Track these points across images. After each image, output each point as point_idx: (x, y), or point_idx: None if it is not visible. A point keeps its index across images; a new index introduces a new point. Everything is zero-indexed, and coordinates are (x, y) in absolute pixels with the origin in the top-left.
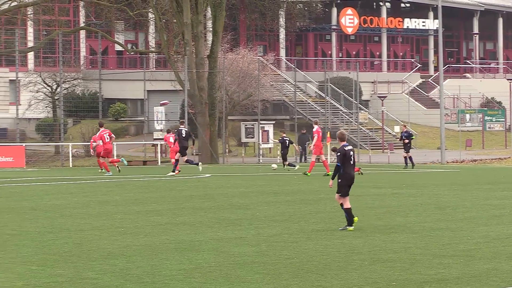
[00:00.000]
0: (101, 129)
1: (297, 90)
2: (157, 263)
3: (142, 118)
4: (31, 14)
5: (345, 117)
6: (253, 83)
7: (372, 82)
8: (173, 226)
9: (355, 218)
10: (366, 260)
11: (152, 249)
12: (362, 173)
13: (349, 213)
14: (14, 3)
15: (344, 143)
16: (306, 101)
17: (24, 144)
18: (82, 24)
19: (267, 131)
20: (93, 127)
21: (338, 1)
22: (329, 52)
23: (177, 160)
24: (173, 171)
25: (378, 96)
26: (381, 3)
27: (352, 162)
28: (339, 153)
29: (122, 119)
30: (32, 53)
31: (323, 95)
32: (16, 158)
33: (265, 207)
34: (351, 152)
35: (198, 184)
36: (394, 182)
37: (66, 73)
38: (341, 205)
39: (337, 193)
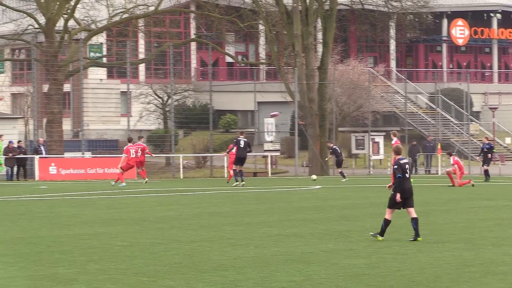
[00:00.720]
0: (129, 144)
1: (407, 102)
2: (267, 274)
3: (253, 130)
4: (142, 26)
5: (456, 128)
6: (363, 94)
7: (483, 94)
8: (283, 237)
9: (419, 238)
10: (477, 273)
11: (262, 260)
12: (473, 185)
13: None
14: (126, 15)
15: (400, 156)
16: (416, 112)
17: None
18: (193, 36)
19: (378, 142)
20: (203, 139)
21: (449, 13)
22: (440, 63)
23: (234, 170)
24: (234, 181)
25: (489, 108)
26: (491, 14)
27: (408, 176)
28: (395, 166)
29: (233, 130)
30: (143, 65)
31: (433, 106)
32: (129, 171)
33: (375, 219)
34: (407, 165)
35: (308, 196)
36: (505, 194)
37: (177, 84)
38: (386, 220)
39: (389, 207)
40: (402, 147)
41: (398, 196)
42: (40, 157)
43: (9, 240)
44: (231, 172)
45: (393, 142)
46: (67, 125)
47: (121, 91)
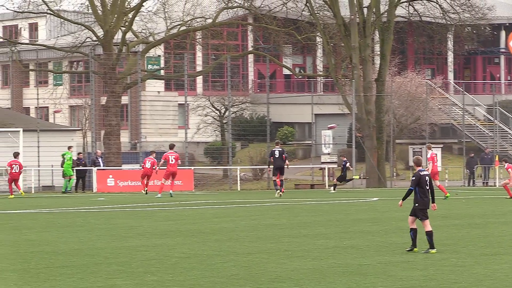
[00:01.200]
0: (170, 150)
1: (465, 114)
2: (324, 286)
3: (310, 142)
4: (200, 38)
5: None
6: (421, 106)
7: None
8: (340, 249)
9: (432, 251)
10: None
11: (319, 272)
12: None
13: (431, 235)
14: (183, 28)
15: (420, 168)
16: (474, 124)
17: (192, 168)
18: (250, 48)
19: (435, 154)
20: (261, 151)
21: (507, 24)
22: (498, 75)
23: (274, 181)
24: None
25: None
26: None
27: (427, 187)
28: (413, 177)
29: (290, 142)
30: (201, 77)
31: (491, 118)
32: (185, 182)
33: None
34: (427, 178)
35: (366, 208)
36: None
37: (234, 97)
38: (412, 229)
39: (410, 215)
40: (461, 159)
41: (400, 202)
42: (98, 169)
43: (68, 252)
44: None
45: (428, 155)
46: (125, 137)
47: (179, 103)
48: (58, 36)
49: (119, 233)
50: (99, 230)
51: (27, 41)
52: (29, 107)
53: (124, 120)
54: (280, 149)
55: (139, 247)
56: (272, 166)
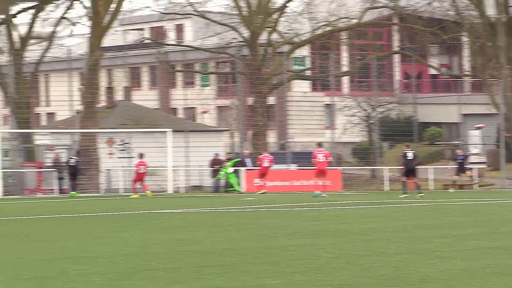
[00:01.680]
0: (318, 148)
1: None
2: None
3: (457, 142)
4: (345, 38)
5: None
6: None
7: None
8: (490, 250)
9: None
10: None
11: (469, 273)
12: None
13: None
14: (329, 28)
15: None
16: None
17: (340, 168)
18: (396, 48)
19: None
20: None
21: None
22: None
23: (404, 182)
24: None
25: None
26: None
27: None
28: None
29: (438, 143)
30: (347, 77)
31: None
32: (333, 182)
33: None
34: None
35: None
36: None
37: (381, 97)
38: None
39: None
40: None
41: None
42: (246, 169)
43: (217, 251)
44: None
45: None
46: (272, 137)
47: (325, 104)
48: (204, 37)
49: (268, 233)
50: (248, 229)
51: (174, 43)
52: (176, 108)
53: (271, 121)
54: (413, 152)
55: (288, 247)
56: (404, 168)
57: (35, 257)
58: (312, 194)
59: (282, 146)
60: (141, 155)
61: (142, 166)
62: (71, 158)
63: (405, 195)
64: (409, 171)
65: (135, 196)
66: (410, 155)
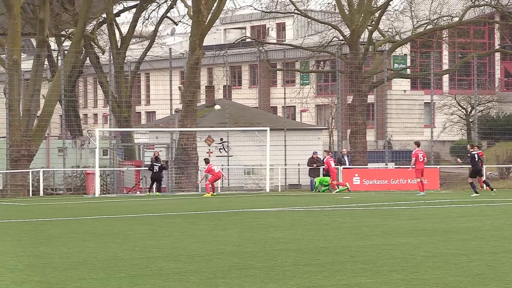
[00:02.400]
0: (417, 148)
1: None
2: None
3: None
4: (446, 37)
5: None
6: None
7: None
8: None
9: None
10: None
11: None
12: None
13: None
14: (430, 26)
15: None
16: None
17: (438, 167)
18: (497, 47)
19: None
20: (507, 150)
21: None
22: None
23: (471, 183)
24: (476, 192)
25: None
26: None
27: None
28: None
29: None
30: (447, 76)
31: None
32: (430, 180)
33: None
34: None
35: None
36: None
37: (481, 95)
38: None
39: None
40: None
41: None
42: (344, 168)
43: (313, 250)
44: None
45: None
46: (370, 136)
47: (425, 102)
48: (305, 36)
49: (365, 232)
50: (344, 228)
51: (275, 41)
52: (276, 106)
53: (370, 119)
54: (478, 152)
55: (384, 246)
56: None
57: (132, 255)
58: (413, 193)
59: (389, 145)
60: (207, 161)
61: (216, 167)
62: (154, 165)
63: (476, 194)
64: (477, 172)
65: (209, 195)
66: (476, 156)
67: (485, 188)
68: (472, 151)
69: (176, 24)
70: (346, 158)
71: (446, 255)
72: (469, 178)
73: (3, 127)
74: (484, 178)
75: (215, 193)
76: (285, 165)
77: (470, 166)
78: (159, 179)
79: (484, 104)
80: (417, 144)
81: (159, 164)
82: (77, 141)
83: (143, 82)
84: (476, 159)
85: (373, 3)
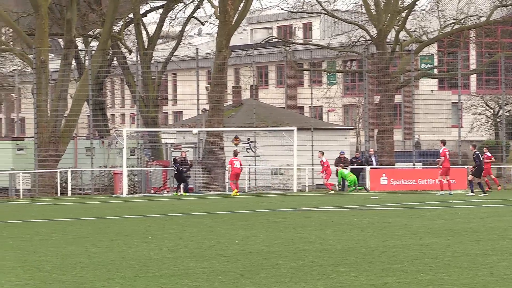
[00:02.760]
0: (444, 147)
1: None
2: None
3: None
4: (474, 36)
5: None
6: None
7: None
8: None
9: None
10: None
11: None
12: None
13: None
14: (457, 26)
15: None
16: None
17: (466, 167)
18: None
19: None
20: None
21: None
22: None
23: (470, 181)
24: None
25: None
26: None
27: None
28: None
29: None
30: (474, 75)
31: None
32: (458, 180)
33: None
34: None
35: None
36: None
37: (509, 95)
38: None
39: None
40: None
41: None
42: (371, 168)
43: (341, 250)
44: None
45: None
46: (397, 136)
47: (452, 102)
48: (332, 36)
49: (392, 232)
50: (372, 228)
51: (301, 41)
52: (303, 106)
53: (397, 119)
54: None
55: (412, 246)
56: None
57: (160, 255)
58: (443, 193)
59: (417, 145)
60: (236, 153)
61: (237, 162)
62: (173, 166)
63: (484, 194)
64: (482, 171)
65: (236, 193)
66: (480, 155)
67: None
68: (475, 151)
69: (203, 24)
70: (373, 158)
71: (474, 255)
72: (474, 178)
73: (31, 127)
74: (479, 180)
75: (238, 193)
76: (312, 165)
77: (476, 165)
78: (181, 179)
79: None
80: (443, 143)
81: (175, 167)
82: (105, 141)
83: (170, 82)
84: (481, 159)
85: (399, 2)
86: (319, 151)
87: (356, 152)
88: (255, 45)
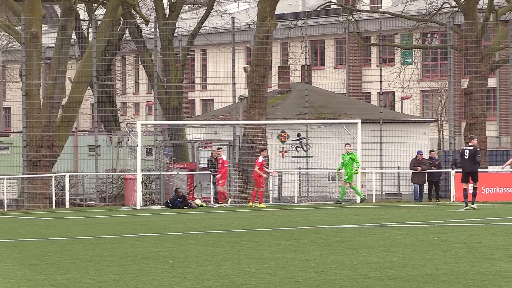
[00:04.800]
0: None
1: None
2: None
3: None
4: None
5: None
6: None
7: None
8: None
9: None
10: None
11: None
12: None
13: None
14: None
15: None
16: None
17: None
18: None
19: None
20: None
21: None
22: None
23: (465, 189)
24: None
25: None
26: None
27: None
28: None
29: None
30: None
31: None
32: None
33: None
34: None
35: None
36: None
37: None
38: None
39: None
40: None
41: None
42: (456, 172)
43: (418, 277)
44: None
45: None
46: (491, 130)
47: None
48: (407, 2)
49: (484, 254)
50: (457, 250)
51: (368, 8)
52: (369, 92)
53: (491, 109)
54: (472, 148)
55: (508, 272)
56: (461, 170)
57: (183, 284)
58: None
59: None
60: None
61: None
62: (175, 201)
63: (466, 208)
64: (468, 174)
65: (262, 205)
66: (467, 153)
67: None
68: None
69: None
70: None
71: None
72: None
73: (19, 119)
74: None
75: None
76: (381, 168)
77: None
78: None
79: None
80: None
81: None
82: (113, 138)
83: (198, 61)
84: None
85: None
86: (218, 148)
87: (431, 151)
88: (308, 13)
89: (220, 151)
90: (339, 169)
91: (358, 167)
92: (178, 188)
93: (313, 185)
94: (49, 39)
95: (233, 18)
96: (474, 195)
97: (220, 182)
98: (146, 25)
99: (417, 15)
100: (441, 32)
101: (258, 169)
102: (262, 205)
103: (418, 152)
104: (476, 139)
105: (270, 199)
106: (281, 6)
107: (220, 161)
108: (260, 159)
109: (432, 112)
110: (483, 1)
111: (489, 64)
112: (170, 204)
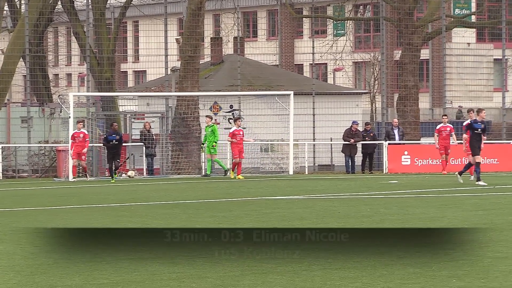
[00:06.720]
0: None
1: None
2: None
3: None
4: None
5: None
6: None
7: None
8: None
9: None
10: None
11: None
12: None
13: None
14: None
15: None
16: None
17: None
18: None
19: None
20: None
21: None
22: None
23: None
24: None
25: None
26: None
27: None
28: None
29: None
30: None
31: None
32: (502, 160)
33: None
34: None
35: None
36: None
37: None
38: None
39: None
40: None
41: None
42: (390, 144)
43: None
44: None
45: None
46: (424, 102)
47: (494, 59)
48: None
49: (416, 226)
50: (390, 221)
51: None
52: (302, 64)
53: (424, 81)
54: (482, 126)
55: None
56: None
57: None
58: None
59: (459, 114)
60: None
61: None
62: (111, 137)
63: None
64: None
65: (240, 177)
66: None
67: None
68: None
69: None
70: (396, 131)
71: None
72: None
73: None
74: None
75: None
76: (314, 140)
77: None
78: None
79: None
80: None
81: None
82: (46, 109)
83: (131, 33)
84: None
85: None
86: (78, 121)
87: (367, 123)
88: None
89: (80, 125)
90: (202, 144)
91: (216, 141)
92: (114, 122)
93: (246, 157)
94: None
95: None
96: (467, 167)
97: (83, 157)
98: None
99: None
100: (374, 3)
101: (231, 139)
102: (240, 176)
103: (353, 122)
104: (484, 111)
105: (203, 170)
106: None
107: (82, 135)
108: (232, 129)
109: (365, 83)
110: None
111: (422, 36)
112: (104, 142)
